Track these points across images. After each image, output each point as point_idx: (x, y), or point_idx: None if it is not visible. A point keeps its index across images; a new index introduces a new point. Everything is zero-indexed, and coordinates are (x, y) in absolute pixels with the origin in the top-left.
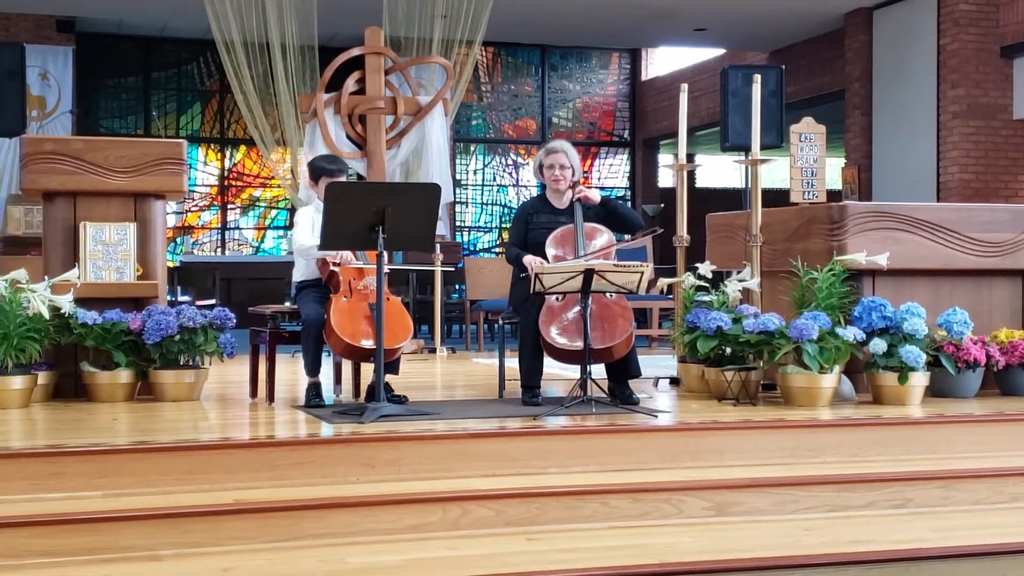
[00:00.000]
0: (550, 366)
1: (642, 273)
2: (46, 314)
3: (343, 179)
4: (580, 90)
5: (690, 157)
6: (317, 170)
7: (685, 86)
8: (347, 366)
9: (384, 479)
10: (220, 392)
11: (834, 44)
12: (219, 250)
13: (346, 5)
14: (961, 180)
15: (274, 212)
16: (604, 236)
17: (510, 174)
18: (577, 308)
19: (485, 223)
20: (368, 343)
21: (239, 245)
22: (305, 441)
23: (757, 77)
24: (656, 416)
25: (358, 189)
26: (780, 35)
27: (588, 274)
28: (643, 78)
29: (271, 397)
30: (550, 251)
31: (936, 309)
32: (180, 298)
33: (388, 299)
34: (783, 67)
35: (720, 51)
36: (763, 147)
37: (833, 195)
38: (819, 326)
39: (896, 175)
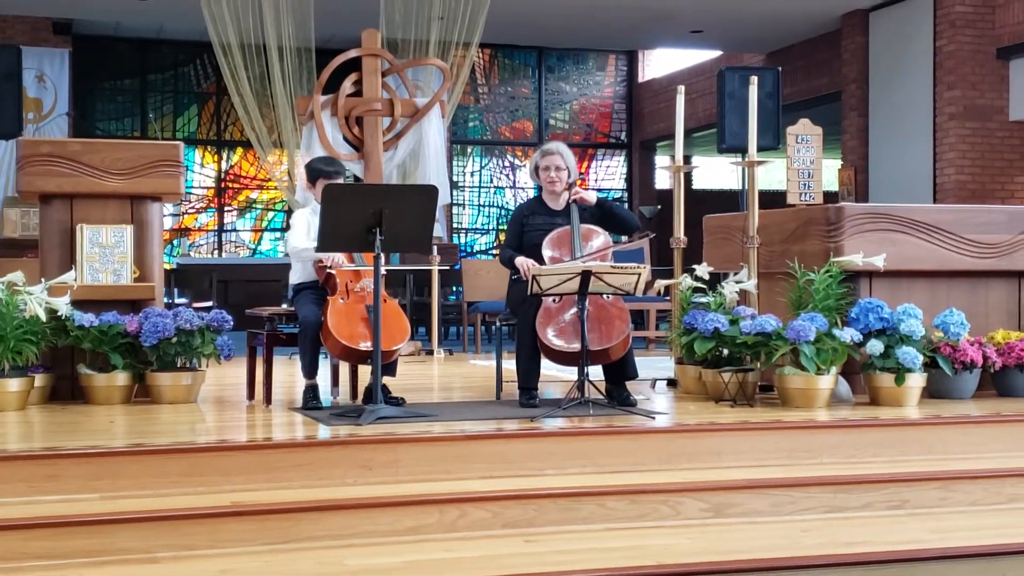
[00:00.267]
0: (547, 368)
1: (639, 275)
2: (43, 316)
3: (340, 181)
4: (577, 92)
5: (687, 159)
6: (314, 172)
7: (682, 88)
8: (344, 368)
9: (381, 481)
10: (217, 394)
11: (830, 46)
12: (216, 252)
13: (343, 7)
14: (957, 182)
15: (271, 214)
16: (600, 237)
17: (507, 176)
18: (574, 310)
19: (482, 225)
20: (365, 345)
21: (236, 247)
22: (302, 443)
23: (754, 79)
24: (653, 418)
25: (355, 191)
26: (777, 37)
27: (585, 276)
28: (640, 80)
29: (268, 399)
30: (546, 252)
31: (933, 310)
32: (177, 300)
33: (385, 301)
34: (780, 69)
35: (717, 53)
36: (760, 149)
37: (830, 197)
38: (816, 327)
39: (892, 177)
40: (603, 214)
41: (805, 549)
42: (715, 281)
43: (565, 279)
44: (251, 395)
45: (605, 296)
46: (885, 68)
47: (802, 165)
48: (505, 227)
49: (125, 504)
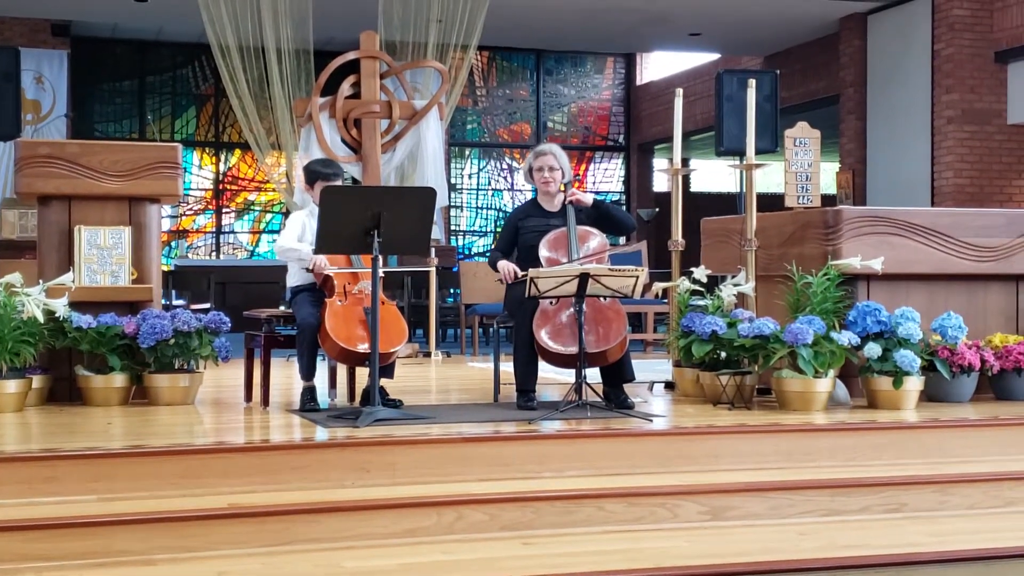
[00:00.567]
0: (545, 370)
1: (637, 277)
2: (41, 318)
3: (338, 183)
4: (575, 94)
5: (685, 162)
6: (312, 174)
7: (680, 91)
8: (342, 370)
9: (379, 483)
10: (215, 396)
11: (829, 49)
12: (214, 254)
13: (341, 9)
14: (956, 185)
15: (269, 216)
16: (596, 239)
17: (505, 178)
18: (571, 311)
19: (480, 227)
20: (363, 347)
21: (234, 249)
22: (300, 445)
23: (752, 82)
24: (651, 420)
25: (353, 193)
26: (775, 40)
27: (583, 278)
28: (638, 83)
29: (266, 401)
30: (543, 253)
31: (931, 314)
32: (175, 302)
33: (383, 303)
34: (778, 72)
35: (715, 56)
36: (758, 152)
37: (828, 200)
38: (814, 330)
39: (891, 180)
40: (599, 215)
41: (803, 552)
42: (713, 284)
43: (563, 281)
44: (249, 397)
45: (602, 298)
46: (883, 71)
47: (800, 168)
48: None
49: (122, 506)
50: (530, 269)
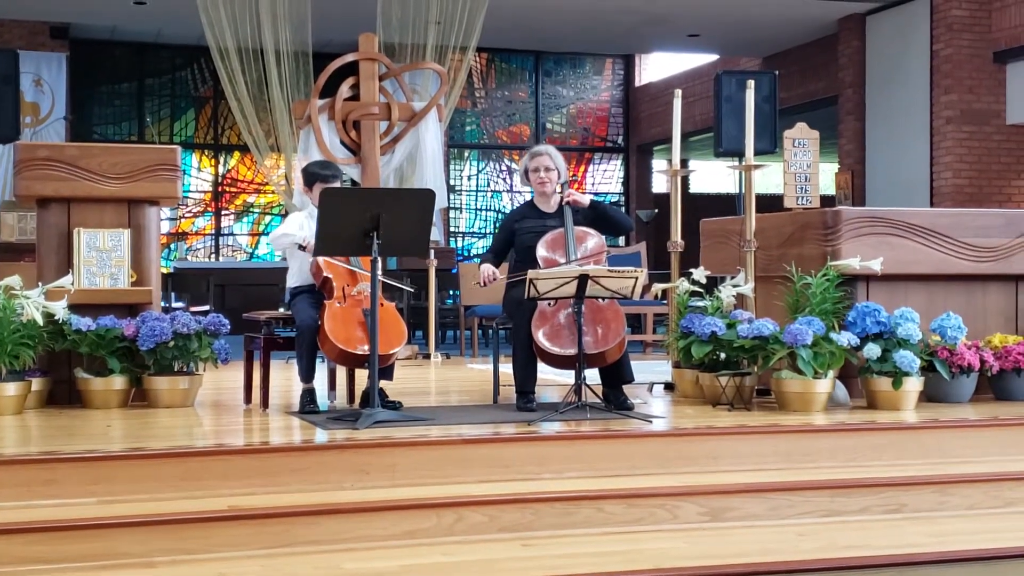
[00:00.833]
0: (544, 371)
1: (637, 279)
2: (40, 320)
3: (337, 185)
4: (574, 96)
5: (684, 163)
6: (311, 176)
7: (679, 91)
8: (341, 372)
9: (378, 485)
10: (214, 398)
11: (827, 49)
12: (213, 256)
13: (340, 11)
14: (955, 185)
15: (268, 218)
16: (594, 239)
17: (504, 180)
18: (569, 312)
19: (479, 229)
20: (362, 349)
21: (233, 251)
22: (299, 447)
23: (751, 83)
24: (651, 421)
25: (352, 195)
26: (773, 41)
27: (583, 280)
28: (637, 84)
29: (265, 403)
30: (541, 254)
31: (930, 314)
32: (174, 304)
33: (382, 305)
34: (777, 72)
35: (713, 57)
36: (757, 152)
37: (827, 201)
38: (813, 331)
39: (889, 180)
40: (596, 216)
41: (802, 553)
42: (712, 285)
43: (562, 283)
44: (248, 399)
45: (601, 300)
46: (882, 72)
47: (799, 169)
48: None
49: (122, 508)
50: (529, 270)
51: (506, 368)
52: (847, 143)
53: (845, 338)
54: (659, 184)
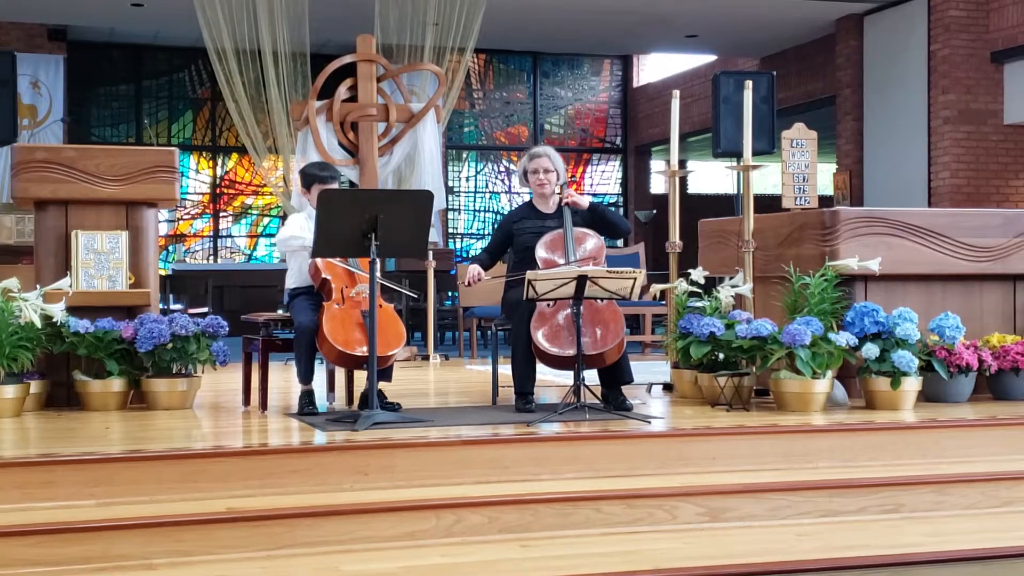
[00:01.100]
0: (543, 372)
1: (635, 279)
2: (38, 323)
3: (335, 186)
4: (572, 97)
5: (682, 163)
6: (309, 177)
7: (677, 92)
8: (340, 374)
9: (378, 487)
10: (213, 400)
11: (825, 50)
12: (211, 258)
13: (338, 12)
14: (952, 185)
15: (266, 220)
16: (593, 240)
17: (502, 181)
18: (568, 313)
19: (477, 230)
20: (361, 350)
21: (231, 253)
22: (298, 449)
23: (748, 83)
24: (649, 422)
25: (350, 196)
26: (771, 41)
27: (581, 280)
28: (635, 84)
29: (264, 405)
30: (540, 254)
31: (928, 314)
32: (172, 306)
33: (381, 306)
34: (774, 73)
35: (711, 57)
36: (755, 153)
37: (825, 201)
38: (812, 331)
39: (887, 180)
40: (595, 218)
41: (801, 553)
42: (711, 285)
43: (561, 284)
44: (247, 401)
45: (599, 300)
46: (880, 72)
47: (797, 169)
48: None
49: (121, 510)
50: (528, 271)
51: (505, 369)
52: (845, 143)
53: (843, 338)
54: (657, 185)
